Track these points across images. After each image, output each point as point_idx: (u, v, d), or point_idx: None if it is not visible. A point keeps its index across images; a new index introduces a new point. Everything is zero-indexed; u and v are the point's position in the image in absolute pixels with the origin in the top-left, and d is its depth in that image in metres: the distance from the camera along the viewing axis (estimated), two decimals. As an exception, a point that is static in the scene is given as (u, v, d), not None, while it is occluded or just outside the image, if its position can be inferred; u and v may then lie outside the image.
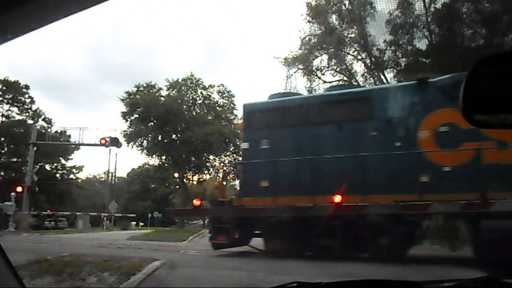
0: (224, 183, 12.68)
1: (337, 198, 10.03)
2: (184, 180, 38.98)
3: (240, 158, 12.05)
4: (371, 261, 9.52)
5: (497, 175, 9.16)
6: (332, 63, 25.73)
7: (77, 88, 66.47)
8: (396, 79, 23.61)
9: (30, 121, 42.73)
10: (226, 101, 38.64)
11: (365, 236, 10.12)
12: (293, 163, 11.16)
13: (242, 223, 11.46)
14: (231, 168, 12.69)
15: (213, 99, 38.36)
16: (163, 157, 36.83)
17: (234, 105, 38.43)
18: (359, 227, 10.17)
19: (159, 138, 35.82)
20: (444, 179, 9.70)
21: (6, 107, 44.56)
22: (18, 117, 44.54)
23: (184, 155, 35.21)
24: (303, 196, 10.64)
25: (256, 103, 12.96)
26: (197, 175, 39.80)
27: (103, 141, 31.37)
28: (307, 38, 25.23)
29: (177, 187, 40.89)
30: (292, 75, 25.50)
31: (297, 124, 11.64)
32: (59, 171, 48.88)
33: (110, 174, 47.42)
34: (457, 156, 9.63)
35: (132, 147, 35.18)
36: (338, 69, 26.01)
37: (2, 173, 43.49)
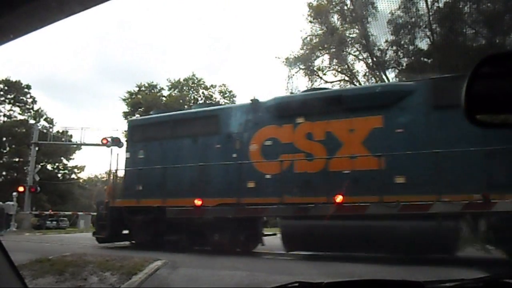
0: (112, 186, 14.34)
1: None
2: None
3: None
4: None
5: (306, 181, 10.90)
6: (334, 63, 25.74)
7: (78, 88, 66.67)
8: (397, 79, 23.64)
9: (32, 121, 42.84)
10: (228, 101, 38.72)
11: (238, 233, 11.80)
12: (160, 170, 12.78)
13: (115, 221, 13.26)
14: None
15: (214, 99, 38.43)
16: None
17: (235, 105, 38.46)
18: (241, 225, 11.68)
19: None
20: (265, 185, 11.29)
21: (8, 107, 44.73)
22: (20, 117, 44.70)
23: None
24: (168, 198, 12.39)
25: (136, 119, 15.45)
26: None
27: (104, 141, 31.31)
28: (308, 38, 25.25)
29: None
30: (293, 75, 25.55)
31: (165, 137, 13.41)
32: (61, 171, 48.95)
33: (111, 174, 47.36)
34: (276, 166, 11.17)
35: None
36: (339, 69, 26.04)
37: (4, 173, 43.58)
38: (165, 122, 13.79)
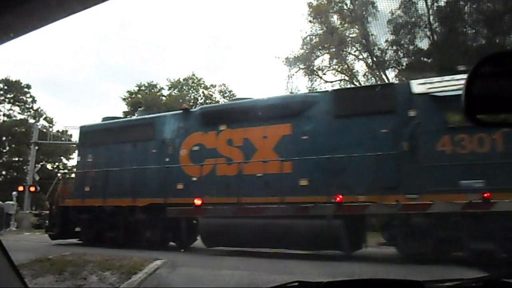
0: (62, 187, 15.28)
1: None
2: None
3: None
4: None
5: (225, 183, 11.84)
6: (334, 63, 25.76)
7: (78, 87, 66.64)
8: (397, 78, 23.63)
9: (31, 121, 42.78)
10: (227, 101, 38.69)
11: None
12: (103, 173, 13.81)
13: (65, 219, 14.26)
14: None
15: (214, 99, 38.44)
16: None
17: (236, 104, 38.45)
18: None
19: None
20: (192, 187, 12.23)
21: (7, 106, 44.68)
22: (19, 117, 44.65)
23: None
24: (108, 199, 13.40)
25: (86, 126, 15.99)
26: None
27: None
28: (308, 38, 25.26)
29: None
30: (293, 75, 25.57)
31: (110, 143, 14.43)
32: (61, 171, 48.92)
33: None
34: (201, 169, 12.25)
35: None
36: (339, 69, 26.04)
37: (3, 173, 43.57)
38: (110, 129, 14.91)
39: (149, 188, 12.92)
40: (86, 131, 15.90)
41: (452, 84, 9.55)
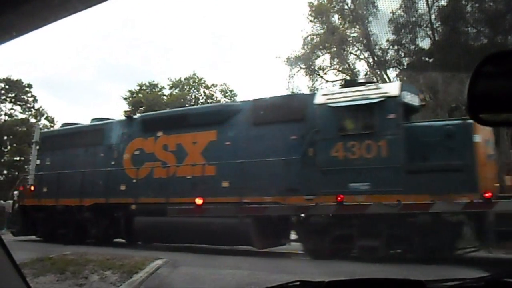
0: (23, 187, 16.66)
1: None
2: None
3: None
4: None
5: (160, 184, 12.83)
6: (335, 63, 25.70)
7: (79, 86, 66.59)
8: (398, 78, 23.60)
9: (32, 120, 42.80)
10: (229, 100, 38.71)
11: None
12: (56, 175, 14.82)
13: (25, 217, 15.36)
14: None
15: (215, 98, 38.44)
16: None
17: (237, 104, 38.47)
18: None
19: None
20: (133, 188, 13.28)
21: (9, 105, 44.58)
22: (20, 116, 44.62)
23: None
24: (59, 199, 14.50)
25: (45, 131, 18.11)
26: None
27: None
28: (309, 38, 25.19)
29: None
30: (294, 74, 25.53)
31: (65, 147, 15.49)
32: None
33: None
34: (140, 172, 13.38)
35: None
36: (340, 69, 25.98)
37: (5, 172, 43.58)
38: (66, 134, 16.08)
39: (95, 189, 13.98)
40: (45, 136, 17.71)
41: (347, 95, 10.67)
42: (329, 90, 11.92)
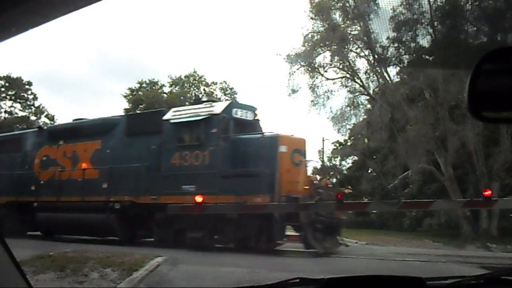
0: None
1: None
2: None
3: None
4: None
5: (60, 185, 14.94)
6: (335, 60, 25.64)
7: (79, 84, 66.52)
8: (399, 76, 23.57)
9: (33, 118, 42.80)
10: (229, 98, 38.68)
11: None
12: None
13: None
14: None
15: (216, 96, 38.39)
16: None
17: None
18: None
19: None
20: (40, 188, 15.49)
21: (9, 103, 44.56)
22: (21, 114, 44.60)
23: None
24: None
25: None
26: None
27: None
28: (309, 35, 25.14)
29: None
30: (294, 72, 25.50)
31: None
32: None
33: None
34: (45, 175, 15.55)
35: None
36: (341, 66, 25.94)
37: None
38: None
39: (11, 190, 15.94)
40: None
41: (187, 112, 13.11)
42: (180, 108, 14.66)
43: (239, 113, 12.85)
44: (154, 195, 12.64)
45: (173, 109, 13.94)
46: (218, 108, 12.67)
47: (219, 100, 14.15)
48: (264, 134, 12.33)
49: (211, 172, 11.70)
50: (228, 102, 14.52)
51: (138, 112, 13.77)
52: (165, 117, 13.26)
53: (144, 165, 12.88)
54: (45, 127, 18.18)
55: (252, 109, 13.48)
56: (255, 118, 13.36)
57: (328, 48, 24.91)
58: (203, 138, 12.20)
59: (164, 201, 12.03)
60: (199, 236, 11.78)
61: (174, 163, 12.57)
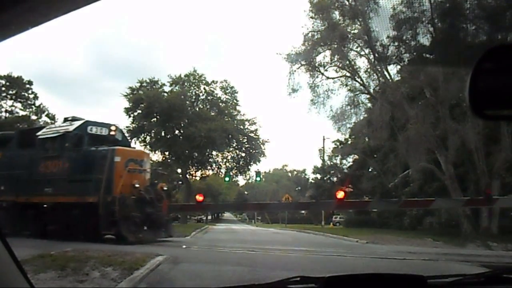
0: None
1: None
2: (187, 176, 39.06)
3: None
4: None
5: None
6: (335, 59, 25.64)
7: (80, 83, 66.86)
8: (399, 74, 23.55)
9: (33, 117, 42.83)
10: (229, 97, 38.64)
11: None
12: None
13: None
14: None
15: (216, 95, 38.38)
16: (166, 153, 36.93)
17: (237, 101, 38.52)
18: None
19: (162, 134, 35.89)
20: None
21: (9, 102, 44.58)
22: (21, 113, 44.61)
23: (187, 151, 35.29)
24: None
25: None
26: (200, 170, 39.96)
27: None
28: (310, 34, 25.14)
29: (180, 182, 40.86)
30: (295, 71, 25.52)
31: None
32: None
33: None
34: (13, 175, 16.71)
35: (135, 142, 35.17)
36: (341, 65, 25.93)
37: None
38: None
39: None
40: None
41: (50, 130, 16.25)
42: (51, 125, 18.44)
43: (93, 130, 15.62)
44: (27, 196, 15.38)
45: (47, 126, 17.30)
46: (72, 126, 15.51)
47: (81, 119, 16.43)
48: (106, 147, 14.83)
49: (63, 178, 14.69)
50: (82, 121, 16.40)
51: (27, 128, 15.07)
52: (37, 133, 16.20)
53: (24, 171, 15.53)
54: None
55: (107, 126, 16.15)
56: (110, 134, 15.94)
57: (328, 47, 24.93)
58: (58, 150, 15.07)
59: (36, 201, 15.05)
60: (53, 228, 14.19)
61: (40, 170, 15.46)
